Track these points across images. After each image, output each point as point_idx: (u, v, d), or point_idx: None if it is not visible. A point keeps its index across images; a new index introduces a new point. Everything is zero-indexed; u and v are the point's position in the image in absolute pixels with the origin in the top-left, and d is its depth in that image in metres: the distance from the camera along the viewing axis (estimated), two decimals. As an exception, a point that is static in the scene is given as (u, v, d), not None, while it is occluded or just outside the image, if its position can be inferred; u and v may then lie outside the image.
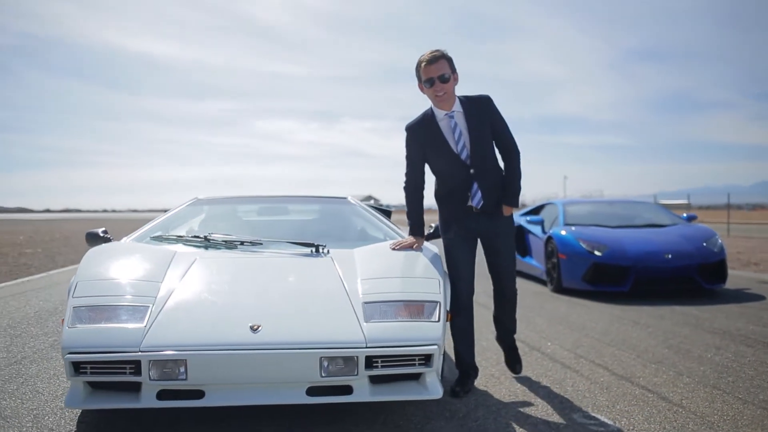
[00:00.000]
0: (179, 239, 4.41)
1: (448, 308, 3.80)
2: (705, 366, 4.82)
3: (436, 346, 3.29)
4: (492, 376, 4.58)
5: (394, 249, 4.15)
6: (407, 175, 4.20)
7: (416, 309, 3.48)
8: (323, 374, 3.20)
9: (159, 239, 4.47)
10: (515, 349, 4.57)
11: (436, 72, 3.92)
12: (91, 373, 3.18)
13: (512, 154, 4.16)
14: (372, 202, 7.25)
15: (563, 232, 9.16)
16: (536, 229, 10.17)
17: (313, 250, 4.16)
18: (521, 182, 4.20)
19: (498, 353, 4.98)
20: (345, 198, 5.40)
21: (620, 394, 4.15)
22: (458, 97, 4.07)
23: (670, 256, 8.36)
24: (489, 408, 3.88)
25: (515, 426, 3.57)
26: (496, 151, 4.20)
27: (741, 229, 30.26)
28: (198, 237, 4.39)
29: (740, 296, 8.39)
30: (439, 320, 3.43)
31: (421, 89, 4.05)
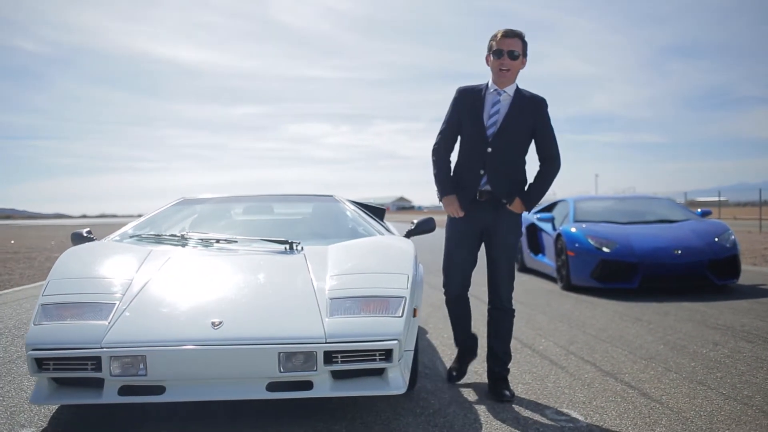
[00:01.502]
0: (157, 238, 4.45)
1: (417, 304, 3.77)
2: (696, 362, 4.72)
3: (396, 341, 3.25)
4: (474, 372, 4.53)
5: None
6: (440, 136, 4.18)
7: (381, 304, 3.45)
8: (282, 370, 3.19)
9: (138, 238, 4.51)
10: (504, 379, 4.10)
11: (508, 46, 3.94)
12: (54, 369, 3.22)
13: (550, 161, 4.10)
14: (371, 200, 7.22)
15: (573, 229, 9.04)
16: (547, 227, 10.06)
17: (287, 247, 4.15)
18: (546, 191, 4.15)
19: (483, 348, 4.87)
20: (331, 196, 5.39)
21: (600, 390, 4.08)
22: (518, 85, 4.07)
23: (679, 252, 8.20)
24: (462, 404, 3.84)
25: (483, 423, 3.53)
26: (533, 157, 4.16)
27: (775, 225, 29.60)
28: (175, 236, 4.42)
29: (753, 292, 8.21)
30: (402, 315, 3.39)
31: (487, 61, 4.05)
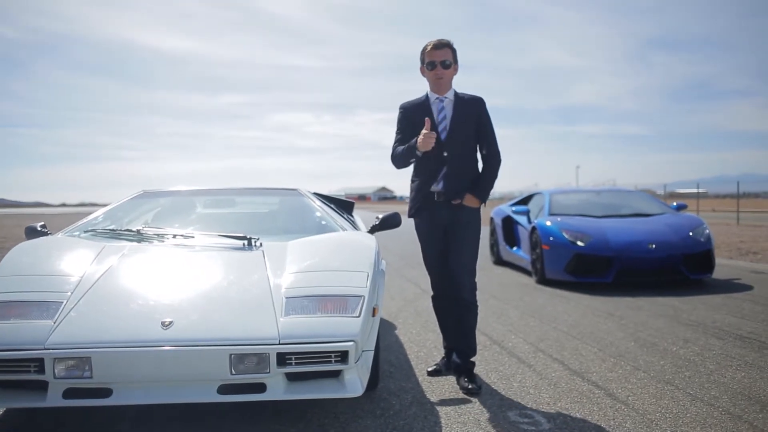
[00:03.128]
0: (112, 233, 4.30)
1: (378, 302, 3.66)
2: (666, 360, 4.65)
3: (352, 343, 3.14)
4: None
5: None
6: (395, 145, 4.29)
7: (339, 303, 3.34)
8: (234, 372, 3.07)
9: (92, 233, 4.35)
10: (470, 371, 4.15)
11: (439, 57, 4.14)
12: (-4, 371, 3.08)
13: (492, 159, 4.29)
14: (343, 194, 7.09)
15: (547, 222, 8.97)
16: (523, 220, 9.98)
17: (245, 243, 4.02)
18: (493, 183, 4.34)
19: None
20: (296, 190, 5.24)
21: (566, 390, 3.99)
22: (456, 90, 4.27)
23: (653, 246, 8.15)
24: (423, 405, 3.74)
25: (444, 425, 3.43)
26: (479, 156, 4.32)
27: (752, 217, 29.82)
28: (130, 230, 4.27)
29: (727, 286, 8.17)
30: (359, 315, 3.28)
31: (422, 72, 4.25)
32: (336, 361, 3.15)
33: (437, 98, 4.22)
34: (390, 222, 4.72)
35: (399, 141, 4.29)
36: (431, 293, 4.46)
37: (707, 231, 8.64)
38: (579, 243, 8.34)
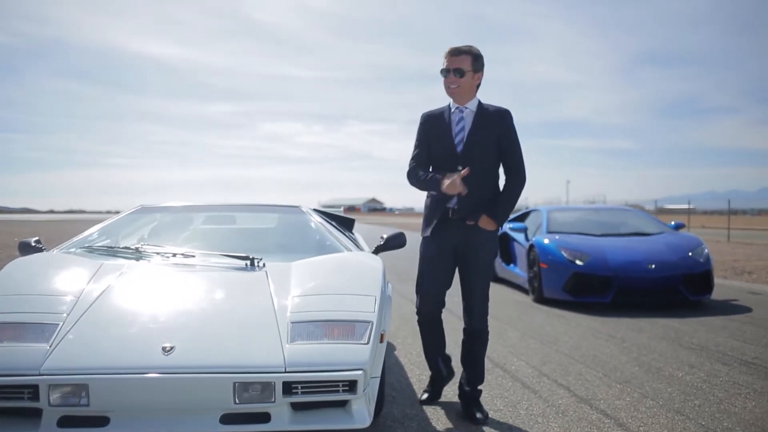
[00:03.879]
0: (110, 250, 4.17)
1: (385, 327, 3.55)
2: (673, 387, 4.56)
3: (361, 372, 3.03)
4: (444, 393, 4.32)
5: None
6: (412, 161, 4.11)
7: (346, 329, 3.22)
8: (237, 401, 2.95)
9: (89, 250, 4.23)
10: (476, 400, 4.00)
11: (454, 64, 3.92)
12: (-13, 397, 2.94)
13: (515, 174, 4.03)
14: (341, 209, 6.99)
15: (545, 241, 8.89)
16: (520, 237, 9.89)
17: (248, 263, 3.90)
18: (514, 205, 4.09)
19: (459, 367, 4.68)
20: (298, 207, 5.12)
21: (575, 419, 3.89)
22: (480, 100, 4.04)
23: (653, 267, 8.08)
24: (429, 434, 3.63)
25: (452, 456, 3.32)
26: (500, 172, 4.10)
27: (742, 234, 29.92)
28: (129, 248, 4.15)
29: (726, 308, 8.11)
30: (368, 342, 3.16)
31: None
32: (344, 391, 3.03)
33: (457, 108, 4.00)
34: (395, 242, 4.59)
35: (415, 157, 4.08)
36: (417, 316, 4.21)
37: (706, 251, 8.58)
38: (578, 262, 8.26)
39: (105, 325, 3.22)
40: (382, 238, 4.60)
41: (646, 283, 8.05)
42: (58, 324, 3.19)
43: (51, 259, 3.99)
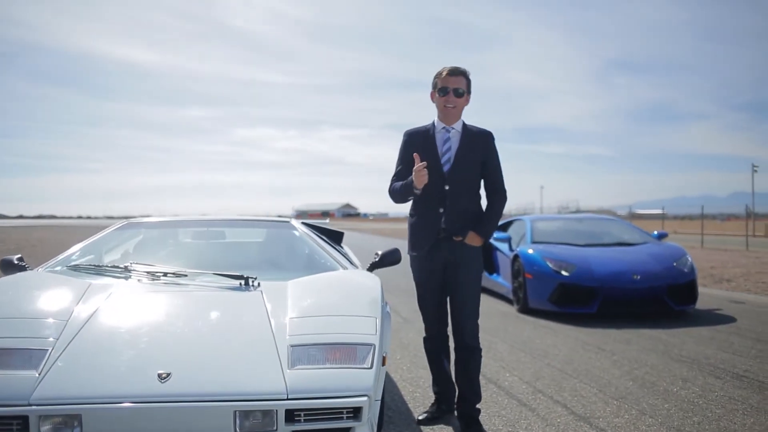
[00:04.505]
0: (97, 269, 4.02)
1: (386, 350, 3.46)
2: (670, 403, 4.52)
3: (366, 398, 2.93)
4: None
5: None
6: (394, 177, 4.13)
7: (348, 352, 3.12)
8: (238, 430, 2.84)
9: (75, 268, 4.07)
10: (476, 421, 4.00)
11: (453, 84, 3.96)
12: (-27, 429, 2.80)
13: (497, 195, 4.13)
14: (327, 221, 6.89)
15: (530, 251, 8.86)
16: (503, 247, 9.85)
17: (242, 282, 3.78)
18: (498, 221, 4.18)
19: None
20: (288, 221, 5.01)
21: (576, 439, 3.83)
22: (464, 121, 4.09)
23: (638, 277, 8.08)
24: (431, 458, 3.54)
25: (457, 482, 3.23)
26: (482, 191, 4.18)
27: (715, 240, 30.26)
28: (117, 267, 4.00)
29: (711, 318, 8.13)
30: (371, 366, 3.07)
31: (432, 97, 4.07)
32: (348, 418, 2.93)
33: (444, 127, 4.03)
34: (390, 259, 4.51)
35: (398, 174, 4.12)
36: (423, 334, 4.31)
37: (690, 261, 8.61)
38: (563, 272, 8.24)
39: (96, 351, 3.08)
40: (376, 254, 4.51)
41: (631, 294, 8.05)
42: (47, 350, 3.05)
43: (36, 279, 3.85)
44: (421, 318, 4.28)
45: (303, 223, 5.35)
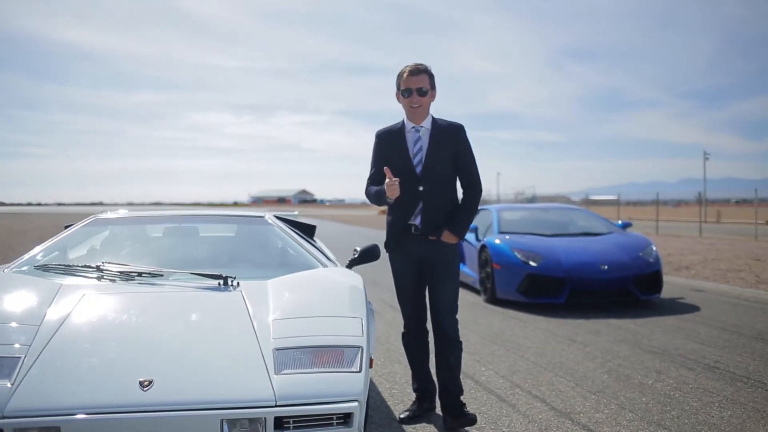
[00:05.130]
0: (68, 269, 3.84)
1: (372, 351, 3.39)
2: (647, 396, 4.54)
3: (356, 403, 2.86)
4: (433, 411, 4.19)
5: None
6: (369, 180, 4.12)
7: (335, 355, 3.05)
8: (225, 439, 2.74)
9: (44, 269, 3.89)
10: (460, 406, 4.00)
11: (416, 84, 3.91)
12: (-58, 443, 2.65)
13: (472, 187, 4.08)
14: (296, 213, 6.78)
15: (497, 241, 8.86)
16: (470, 236, 9.83)
17: (221, 282, 3.66)
18: (473, 217, 4.13)
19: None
20: (262, 217, 4.87)
21: (560, 436, 3.81)
22: (433, 116, 4.04)
23: (606, 267, 8.14)
24: (417, 460, 3.49)
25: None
26: (458, 186, 4.15)
27: (669, 227, 30.86)
28: (89, 266, 3.84)
29: (676, 307, 8.24)
30: (360, 370, 2.99)
31: (398, 98, 4.03)
32: (339, 424, 2.86)
33: (413, 127, 4.00)
34: (369, 255, 4.43)
35: (372, 176, 4.11)
36: (396, 327, 4.33)
37: (655, 251, 8.71)
38: (531, 263, 8.26)
39: (73, 358, 2.95)
40: (355, 251, 4.43)
41: (598, 284, 8.11)
42: (20, 357, 2.91)
43: (3, 281, 3.67)
44: (392, 310, 4.27)
45: (275, 216, 5.23)
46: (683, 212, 51.70)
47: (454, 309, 4.08)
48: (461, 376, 4.15)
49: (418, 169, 3.96)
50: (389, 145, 4.03)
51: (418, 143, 3.98)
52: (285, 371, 2.93)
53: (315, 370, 2.97)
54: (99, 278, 3.73)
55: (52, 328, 3.11)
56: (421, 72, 3.93)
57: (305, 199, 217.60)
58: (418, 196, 3.96)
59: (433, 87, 3.99)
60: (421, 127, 3.99)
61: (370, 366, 3.24)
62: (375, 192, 4.01)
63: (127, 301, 3.46)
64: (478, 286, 9.26)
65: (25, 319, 3.16)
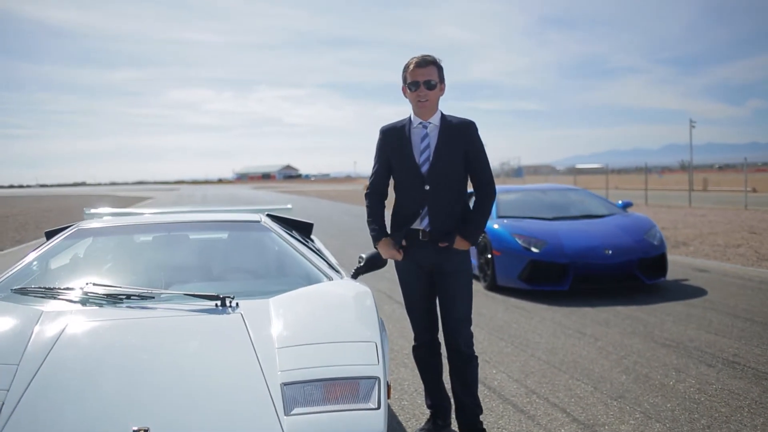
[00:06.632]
0: (48, 292, 3.49)
1: (388, 379, 3.09)
2: (672, 402, 4.29)
3: (378, 447, 2.57)
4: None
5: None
6: (372, 179, 3.90)
7: (349, 388, 2.75)
8: (232, 494, 2.45)
9: (22, 293, 3.52)
10: (479, 426, 3.75)
11: (423, 76, 3.63)
12: None
13: (485, 188, 3.78)
14: (290, 207, 6.46)
15: (496, 226, 8.56)
16: (467, 221, 9.55)
17: (218, 303, 3.32)
18: (486, 221, 3.82)
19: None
20: (258, 221, 4.51)
21: (588, 455, 3.56)
22: (442, 112, 3.75)
23: (610, 252, 7.88)
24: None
25: None
26: (470, 185, 3.85)
27: (657, 196, 30.74)
28: (71, 288, 3.49)
29: (682, 291, 8.01)
30: (379, 406, 2.70)
31: (404, 92, 3.75)
32: (358, 472, 2.57)
33: (420, 123, 3.70)
34: (375, 263, 4.10)
35: (376, 173, 3.84)
36: (402, 332, 4.01)
37: (659, 233, 8.47)
38: (533, 249, 7.99)
39: (58, 403, 2.62)
40: (361, 258, 4.10)
41: (603, 269, 7.86)
42: (0, 402, 2.59)
43: (-21, 309, 3.32)
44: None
45: (270, 216, 4.91)
46: (670, 180, 51.73)
47: (469, 321, 3.77)
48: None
49: (424, 168, 3.66)
50: (393, 142, 3.74)
51: (426, 140, 3.68)
52: (295, 411, 2.63)
53: (328, 407, 2.66)
54: (84, 302, 3.38)
55: (33, 368, 2.78)
56: (429, 63, 3.64)
57: (290, 175, 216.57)
58: (425, 197, 3.67)
59: (442, 80, 3.70)
60: (429, 123, 3.70)
61: (388, 396, 2.94)
62: (371, 223, 3.83)
63: (116, 331, 3.12)
64: (477, 272, 8.99)
65: (5, 357, 2.83)
